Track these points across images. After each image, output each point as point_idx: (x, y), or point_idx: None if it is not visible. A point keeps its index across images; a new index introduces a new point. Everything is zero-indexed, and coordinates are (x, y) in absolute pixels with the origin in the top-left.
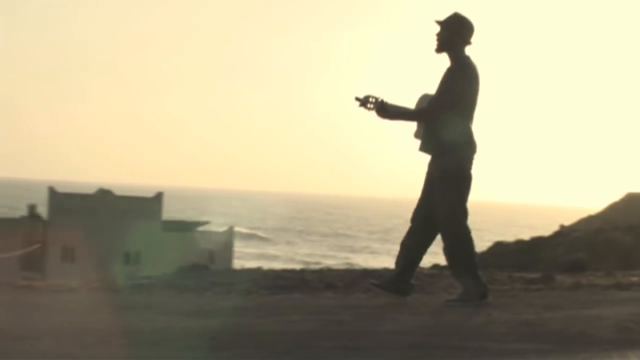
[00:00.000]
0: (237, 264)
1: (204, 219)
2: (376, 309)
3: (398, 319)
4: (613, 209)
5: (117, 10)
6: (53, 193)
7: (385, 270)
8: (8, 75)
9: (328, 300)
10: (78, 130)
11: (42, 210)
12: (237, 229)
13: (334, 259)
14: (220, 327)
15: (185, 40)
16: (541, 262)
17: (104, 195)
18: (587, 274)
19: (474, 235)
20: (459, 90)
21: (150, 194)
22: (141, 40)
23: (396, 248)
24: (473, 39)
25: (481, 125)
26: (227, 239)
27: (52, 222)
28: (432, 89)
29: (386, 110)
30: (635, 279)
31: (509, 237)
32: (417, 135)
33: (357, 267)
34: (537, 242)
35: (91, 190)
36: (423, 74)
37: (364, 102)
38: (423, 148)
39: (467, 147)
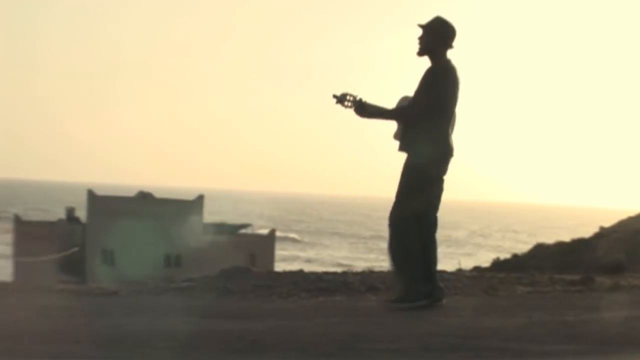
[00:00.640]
0: (278, 266)
1: (244, 221)
2: (417, 311)
3: (439, 321)
4: None
5: (157, 11)
6: (92, 196)
7: None
8: (46, 77)
9: (369, 303)
10: (117, 132)
11: (81, 213)
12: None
13: (370, 262)
14: (261, 329)
15: (226, 42)
16: (581, 264)
17: (144, 198)
18: (627, 275)
19: (511, 237)
20: (436, 92)
21: (191, 196)
22: (181, 41)
23: None
24: (455, 43)
25: (521, 127)
26: (269, 242)
27: (91, 225)
28: (475, 91)
29: (364, 109)
30: None
31: (548, 238)
32: (396, 136)
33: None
34: (578, 244)
35: (131, 193)
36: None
37: (340, 99)
38: (401, 148)
39: (438, 149)
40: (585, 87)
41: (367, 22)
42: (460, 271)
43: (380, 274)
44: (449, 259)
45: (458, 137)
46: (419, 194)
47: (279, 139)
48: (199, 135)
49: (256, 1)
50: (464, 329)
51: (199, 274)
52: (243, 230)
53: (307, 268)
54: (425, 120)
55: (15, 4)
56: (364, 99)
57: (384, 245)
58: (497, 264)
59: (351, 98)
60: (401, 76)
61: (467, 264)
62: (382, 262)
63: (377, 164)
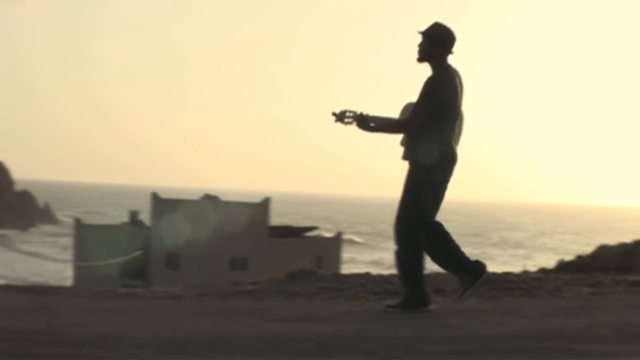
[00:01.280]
0: (343, 269)
1: (310, 224)
2: (483, 312)
3: (504, 323)
4: None
5: (224, 13)
6: (156, 199)
7: (494, 274)
8: (110, 80)
9: (437, 305)
10: (183, 134)
11: (144, 217)
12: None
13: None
14: (328, 332)
15: (293, 44)
16: None
17: (209, 201)
18: None
19: (575, 238)
20: (436, 100)
21: (257, 199)
22: (248, 43)
23: (493, 252)
24: (455, 49)
25: (575, 128)
26: (335, 244)
27: (155, 228)
28: (541, 88)
29: (366, 123)
30: None
31: (609, 239)
32: (402, 143)
33: None
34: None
35: (196, 195)
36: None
37: (340, 117)
38: (404, 156)
39: (441, 156)
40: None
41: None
42: (525, 273)
43: (446, 276)
44: (515, 261)
45: (523, 141)
46: (423, 201)
47: (346, 142)
48: (265, 137)
49: (324, 4)
50: (529, 330)
51: (265, 276)
52: (309, 233)
53: (371, 270)
54: (427, 128)
55: (81, 6)
56: (365, 113)
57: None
58: (562, 265)
59: (351, 114)
60: (470, 77)
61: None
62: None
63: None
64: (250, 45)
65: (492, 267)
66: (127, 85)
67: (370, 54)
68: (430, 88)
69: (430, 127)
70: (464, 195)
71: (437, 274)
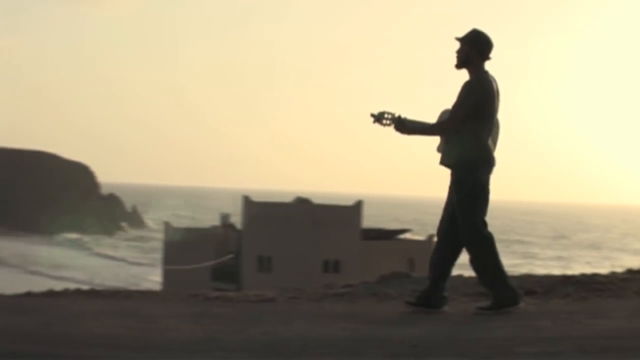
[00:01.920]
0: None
1: (400, 226)
2: (573, 314)
3: (593, 323)
4: None
5: (316, 16)
6: (248, 202)
7: (583, 276)
8: (197, 83)
9: (527, 306)
10: (274, 137)
11: (236, 220)
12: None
13: (516, 267)
14: (421, 334)
15: (384, 46)
16: None
17: (301, 204)
18: None
19: None
20: (474, 104)
21: (349, 202)
22: (340, 46)
23: (578, 253)
24: (492, 55)
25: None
26: (427, 247)
27: (246, 231)
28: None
29: (404, 126)
30: None
31: None
32: (438, 149)
33: (556, 274)
34: None
35: (288, 198)
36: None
37: (378, 118)
38: (442, 161)
39: (482, 160)
40: None
41: (522, 26)
42: (613, 274)
43: (537, 278)
44: (598, 262)
45: (612, 142)
46: (481, 205)
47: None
48: (357, 140)
49: (412, 7)
50: (617, 331)
51: (358, 279)
52: (401, 236)
53: (460, 272)
54: (464, 132)
55: (164, 5)
56: (402, 116)
57: (525, 249)
58: None
59: (389, 116)
60: (558, 80)
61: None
62: (528, 266)
63: (523, 168)
64: (343, 47)
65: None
66: (215, 86)
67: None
68: (467, 92)
69: (468, 131)
70: (549, 196)
71: (526, 276)
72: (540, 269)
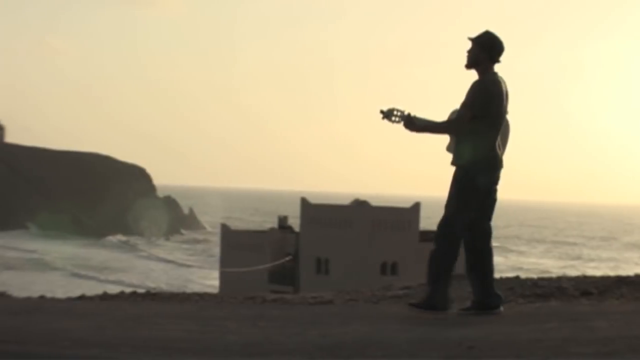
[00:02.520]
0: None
1: None
2: (628, 314)
3: None
4: None
5: (374, 18)
6: (306, 204)
7: (637, 277)
8: (258, 88)
9: (583, 307)
10: (332, 140)
11: (293, 222)
12: None
13: (565, 269)
14: (479, 336)
15: (441, 48)
16: None
17: (359, 206)
18: None
19: None
20: (481, 105)
21: (407, 204)
22: (395, 48)
23: (626, 255)
24: (503, 57)
25: None
26: None
27: (304, 233)
28: None
29: (414, 123)
30: None
31: None
32: (448, 149)
33: (611, 275)
34: None
35: (345, 201)
36: None
37: (387, 115)
38: (453, 161)
39: (486, 161)
40: None
41: (576, 29)
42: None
43: (593, 279)
44: None
45: None
46: (468, 206)
47: None
48: (414, 143)
49: (468, 8)
50: None
51: (416, 281)
52: None
53: (517, 274)
54: (472, 133)
55: (222, 7)
56: (412, 114)
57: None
58: None
59: (399, 113)
60: (611, 83)
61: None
62: (580, 267)
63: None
64: (402, 49)
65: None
66: (273, 89)
67: (516, 59)
68: (475, 92)
69: (475, 132)
70: (600, 198)
71: (582, 277)
72: (593, 270)
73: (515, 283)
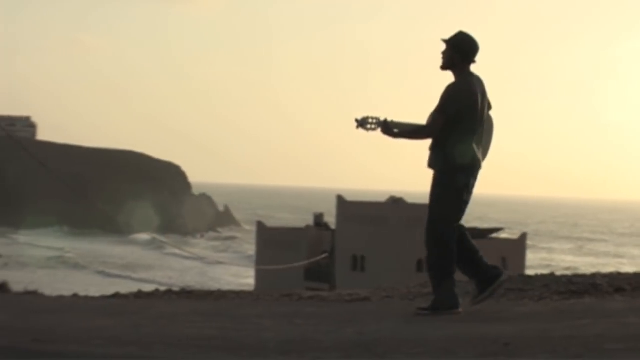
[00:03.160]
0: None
1: (496, 225)
2: None
3: None
4: None
5: (405, 14)
6: (342, 201)
7: None
8: (293, 85)
9: (617, 304)
10: (367, 137)
11: (329, 219)
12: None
13: (604, 266)
14: (514, 332)
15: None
16: None
17: (395, 203)
18: None
19: None
20: (455, 108)
21: None
22: (431, 44)
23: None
24: (478, 58)
25: None
26: (520, 246)
27: (340, 230)
28: None
29: (390, 129)
30: None
31: None
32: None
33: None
34: None
35: (381, 198)
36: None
37: (362, 123)
38: (429, 164)
39: (465, 164)
40: None
41: (613, 27)
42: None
43: (627, 275)
44: None
45: None
46: (451, 206)
47: (532, 144)
48: None
49: (506, 10)
50: None
51: None
52: (494, 235)
53: (552, 271)
54: (447, 135)
55: (261, 6)
56: (388, 119)
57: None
58: None
59: (374, 120)
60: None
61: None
62: (614, 264)
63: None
64: (437, 46)
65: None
66: (308, 86)
67: (551, 57)
68: (449, 94)
69: (451, 133)
70: (633, 195)
71: (615, 273)
72: (626, 267)
73: (550, 280)
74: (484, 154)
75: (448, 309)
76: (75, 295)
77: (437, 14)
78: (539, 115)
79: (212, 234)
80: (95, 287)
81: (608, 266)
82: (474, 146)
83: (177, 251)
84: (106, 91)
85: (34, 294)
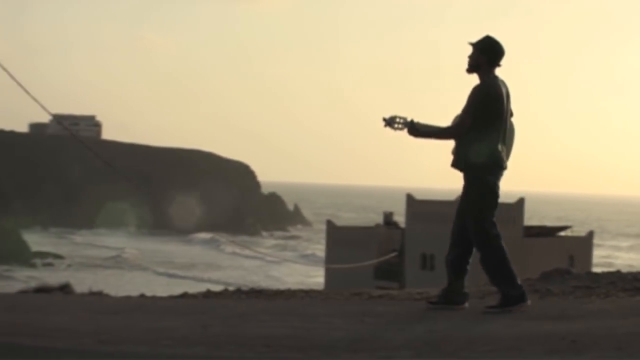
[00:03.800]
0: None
1: (563, 223)
2: None
3: None
4: None
5: (472, 14)
6: (411, 200)
7: None
8: (361, 84)
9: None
10: None
11: (399, 218)
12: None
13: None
14: (581, 330)
15: (543, 45)
16: None
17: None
18: None
19: None
20: (481, 110)
21: (512, 199)
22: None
23: None
24: (503, 62)
25: None
26: (587, 243)
27: (409, 229)
28: None
29: (416, 129)
30: None
31: None
32: (453, 151)
33: None
34: None
35: (450, 197)
36: None
37: (389, 122)
38: (453, 164)
39: (491, 164)
40: None
41: None
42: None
43: None
44: None
45: None
46: (487, 205)
47: (599, 142)
48: (519, 138)
49: (558, 8)
50: None
51: (520, 276)
52: (562, 233)
53: (618, 269)
54: (474, 136)
55: (329, 4)
56: (415, 120)
57: None
58: None
59: (401, 120)
60: None
61: None
62: None
63: None
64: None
65: None
66: (376, 85)
67: (611, 56)
68: (476, 96)
69: (477, 134)
70: None
71: None
72: None
73: (616, 277)
74: (507, 156)
75: (516, 303)
76: (142, 296)
77: (505, 14)
78: (606, 114)
79: (281, 233)
80: (161, 287)
81: None
82: (500, 147)
83: (247, 251)
84: (172, 90)
85: (99, 294)
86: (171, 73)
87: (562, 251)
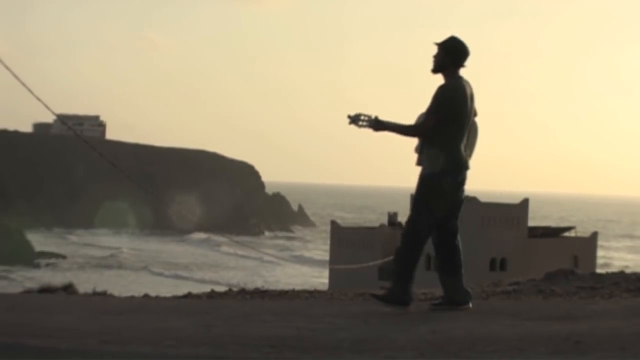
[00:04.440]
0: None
1: (567, 224)
2: None
3: None
4: None
5: (478, 15)
6: None
7: None
8: (365, 85)
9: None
10: None
11: (403, 219)
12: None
13: None
14: (585, 330)
15: (550, 46)
16: None
17: (468, 202)
18: None
19: None
20: (444, 110)
21: (515, 200)
22: (505, 44)
23: None
24: (467, 63)
25: None
26: (591, 244)
27: None
28: None
29: (382, 124)
30: None
31: None
32: (416, 149)
33: None
34: None
35: None
36: None
37: (354, 119)
38: (418, 162)
39: (450, 162)
40: None
41: None
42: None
43: None
44: None
45: None
46: (432, 207)
47: (602, 143)
48: (522, 139)
49: (560, 9)
50: None
51: (524, 277)
52: (566, 234)
53: (621, 270)
54: (437, 136)
55: (333, 5)
56: (379, 117)
57: None
58: None
59: (366, 117)
60: None
61: None
62: None
63: None
64: (505, 46)
65: None
66: (380, 86)
67: (620, 58)
68: (440, 96)
69: (440, 134)
70: None
71: None
72: None
73: (620, 278)
74: (470, 156)
75: (395, 303)
76: (146, 296)
77: (511, 15)
78: (609, 115)
79: (284, 233)
80: (165, 287)
81: None
82: (462, 148)
83: (247, 251)
84: (176, 90)
85: (103, 294)
86: (175, 73)
87: (566, 252)
